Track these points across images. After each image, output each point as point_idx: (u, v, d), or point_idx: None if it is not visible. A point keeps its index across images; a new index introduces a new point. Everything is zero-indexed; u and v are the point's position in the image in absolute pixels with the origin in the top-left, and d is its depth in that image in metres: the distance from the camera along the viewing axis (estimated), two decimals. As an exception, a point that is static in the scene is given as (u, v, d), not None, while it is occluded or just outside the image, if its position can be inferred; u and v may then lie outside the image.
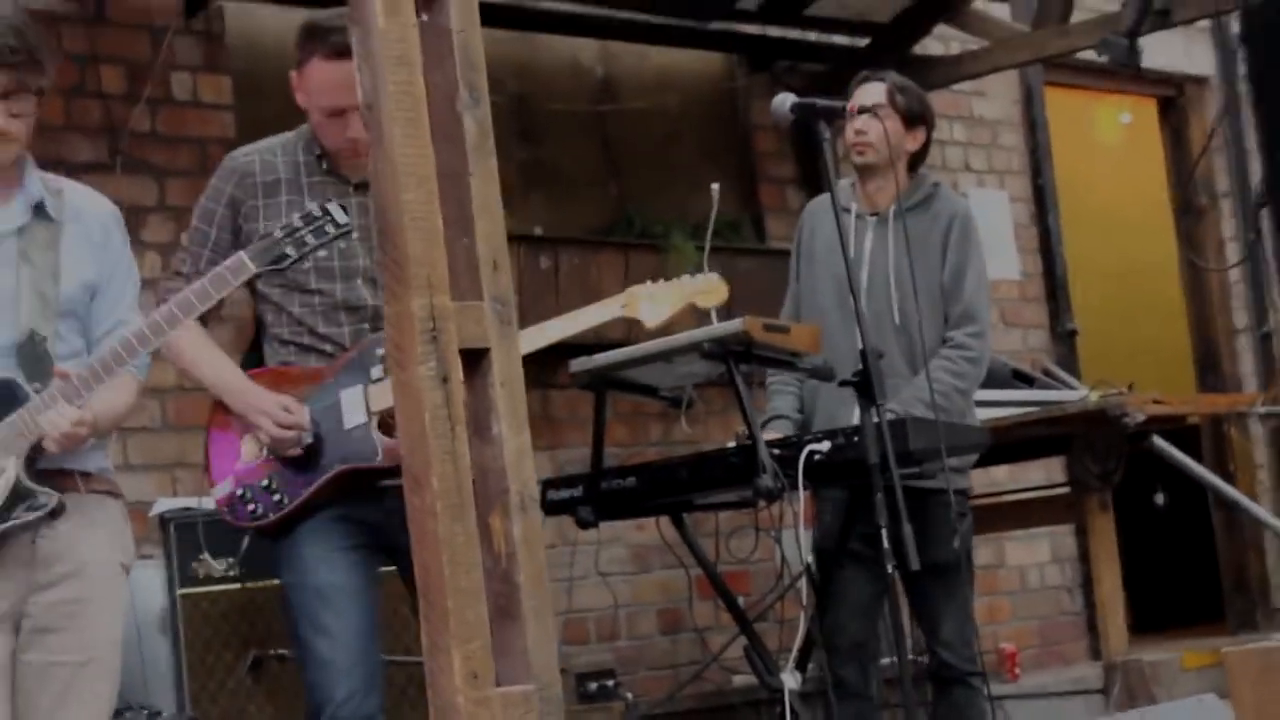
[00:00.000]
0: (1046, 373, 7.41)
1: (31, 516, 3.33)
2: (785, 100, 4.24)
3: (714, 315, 4.16)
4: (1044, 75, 8.25)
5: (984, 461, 5.11)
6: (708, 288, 4.04)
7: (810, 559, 4.54)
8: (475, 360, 2.45)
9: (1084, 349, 8.24)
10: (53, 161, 4.45)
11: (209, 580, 4.78)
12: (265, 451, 3.78)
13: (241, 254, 3.44)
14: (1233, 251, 8.86)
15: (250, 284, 3.74)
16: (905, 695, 4.00)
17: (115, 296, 3.52)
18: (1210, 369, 8.91)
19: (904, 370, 4.52)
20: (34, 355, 3.37)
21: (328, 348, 3.83)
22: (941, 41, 7.58)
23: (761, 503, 4.22)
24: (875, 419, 3.99)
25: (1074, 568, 7.89)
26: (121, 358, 3.32)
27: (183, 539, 4.78)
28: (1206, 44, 8.91)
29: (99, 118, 5.61)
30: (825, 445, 4.15)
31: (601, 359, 4.35)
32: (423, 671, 2.38)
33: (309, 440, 3.73)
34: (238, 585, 4.79)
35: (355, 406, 3.73)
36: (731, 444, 4.56)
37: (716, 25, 7.11)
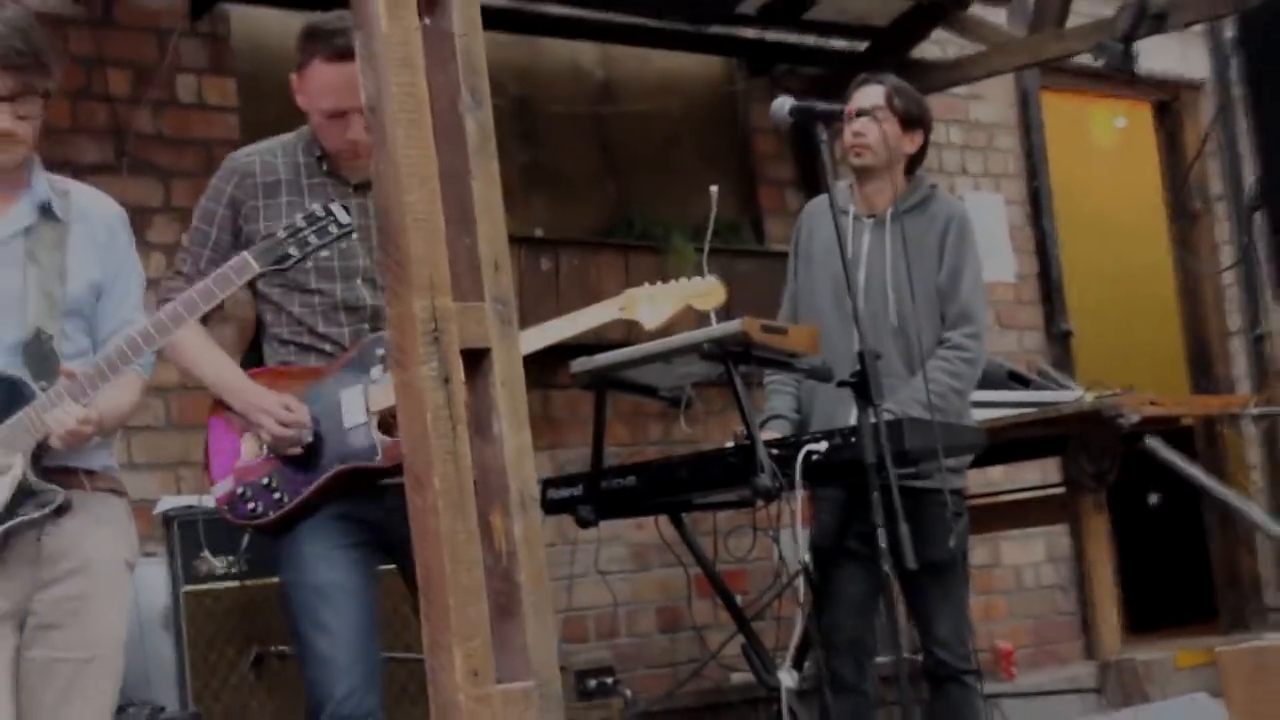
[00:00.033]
0: (1042, 374, 7.41)
1: (37, 513, 3.34)
2: (784, 103, 4.26)
3: (713, 316, 4.17)
4: (1040, 79, 8.24)
5: (980, 461, 5.11)
6: (706, 290, 4.04)
7: (807, 558, 4.55)
8: (476, 360, 2.45)
9: (1079, 350, 8.23)
10: (59, 163, 4.47)
11: (211, 578, 4.78)
12: (265, 450, 3.78)
13: (245, 254, 3.45)
14: (1226, 255, 8.88)
15: (251, 284, 3.72)
16: (902, 693, 4.01)
17: (121, 296, 3.53)
18: (1204, 371, 8.91)
19: (901, 371, 4.53)
20: (40, 354, 3.37)
21: (327, 347, 3.82)
22: (939, 46, 7.58)
23: (759, 502, 4.24)
24: (872, 419, 4.01)
25: (1069, 567, 7.87)
26: (127, 356, 3.33)
27: (185, 537, 4.79)
28: (1201, 49, 8.92)
29: (105, 120, 5.62)
30: (823, 445, 4.17)
31: (602, 359, 4.36)
32: (423, 669, 2.37)
33: (309, 439, 3.73)
34: (239, 583, 4.80)
35: (355, 406, 3.73)
36: (730, 444, 4.57)
37: (716, 29, 7.12)
